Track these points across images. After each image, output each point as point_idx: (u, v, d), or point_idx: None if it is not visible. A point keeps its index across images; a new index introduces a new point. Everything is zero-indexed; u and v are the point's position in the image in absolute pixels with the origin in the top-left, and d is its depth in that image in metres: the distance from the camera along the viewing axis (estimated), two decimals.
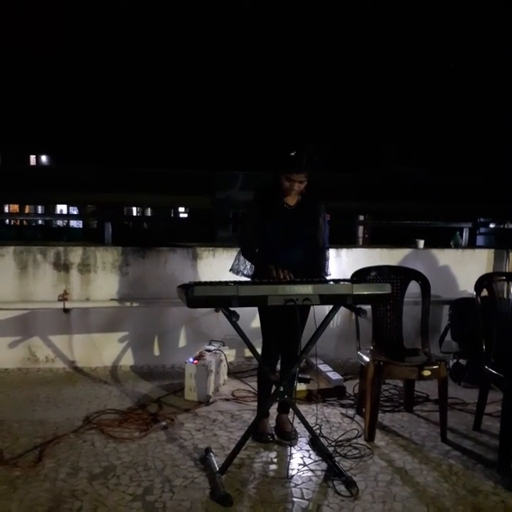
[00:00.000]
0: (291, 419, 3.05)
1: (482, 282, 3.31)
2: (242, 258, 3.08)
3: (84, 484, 2.52)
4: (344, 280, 2.81)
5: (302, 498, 2.47)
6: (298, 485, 2.57)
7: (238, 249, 3.12)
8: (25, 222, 21.32)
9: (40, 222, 22.08)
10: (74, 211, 25.25)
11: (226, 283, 2.55)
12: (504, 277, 3.38)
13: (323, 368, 3.98)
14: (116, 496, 2.43)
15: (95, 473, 2.63)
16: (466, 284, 4.54)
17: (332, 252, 4.42)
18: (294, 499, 2.46)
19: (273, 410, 3.13)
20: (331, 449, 2.89)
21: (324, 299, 2.60)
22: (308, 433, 2.89)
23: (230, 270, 3.13)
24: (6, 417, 3.24)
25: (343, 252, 4.60)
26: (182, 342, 4.40)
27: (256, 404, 3.29)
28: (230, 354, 4.25)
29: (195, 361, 3.64)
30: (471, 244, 5.44)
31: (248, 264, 3.07)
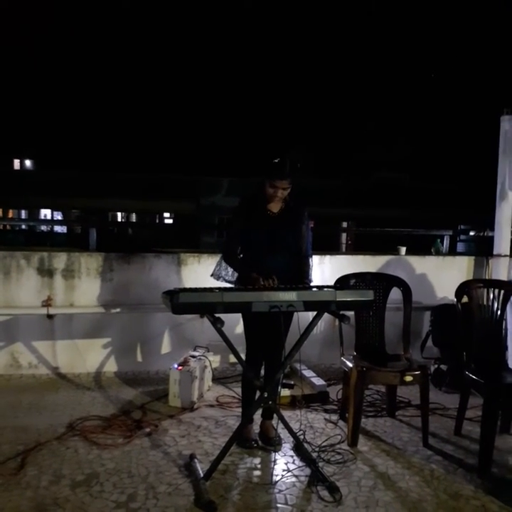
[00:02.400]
0: (275, 425, 3.06)
1: (462, 289, 3.37)
2: (224, 264, 3.10)
3: (67, 492, 2.50)
4: (328, 287, 2.85)
5: (286, 503, 2.49)
6: (282, 491, 2.59)
7: (221, 255, 3.14)
8: (8, 227, 21.05)
9: (23, 226, 21.83)
10: (58, 216, 25.04)
11: (211, 289, 2.57)
12: (483, 284, 3.45)
13: (307, 373, 4.01)
14: (100, 504, 2.42)
15: (78, 480, 2.61)
16: (446, 290, 4.61)
17: (316, 259, 4.47)
18: (278, 505, 2.47)
19: (257, 416, 3.14)
20: (314, 454, 2.91)
21: (308, 306, 2.64)
22: (292, 439, 2.91)
23: (211, 275, 3.14)
24: None
25: (327, 258, 4.64)
26: (166, 348, 4.40)
27: (240, 410, 3.30)
28: (214, 360, 4.25)
29: (180, 367, 3.64)
30: (452, 252, 5.53)
31: (230, 270, 3.09)
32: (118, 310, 4.20)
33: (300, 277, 3.00)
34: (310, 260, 3.09)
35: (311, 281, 3.07)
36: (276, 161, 2.85)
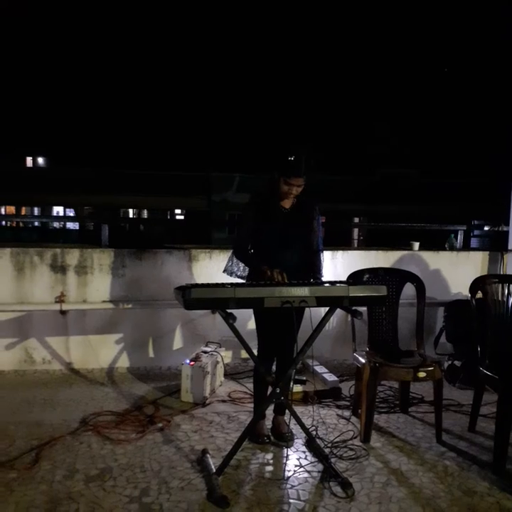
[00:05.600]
0: (287, 421, 3.06)
1: (477, 284, 3.33)
2: (235, 259, 3.10)
3: (81, 486, 2.52)
4: (340, 282, 2.83)
5: (298, 499, 2.48)
6: (294, 486, 2.58)
7: (232, 250, 3.14)
8: (21, 224, 21.28)
9: (36, 223, 22.04)
10: (70, 213, 25.23)
11: (223, 285, 2.56)
12: (498, 279, 3.41)
13: (319, 369, 4.00)
14: (113, 498, 2.43)
15: (92, 475, 2.63)
16: (460, 286, 4.56)
17: (328, 254, 4.45)
18: (291, 500, 2.47)
19: (269, 412, 3.14)
20: (327, 450, 2.91)
21: (321, 301, 2.62)
22: (304, 434, 2.90)
23: (224, 271, 3.14)
24: (2, 419, 3.23)
25: (339, 254, 4.61)
26: (178, 344, 4.41)
27: (252, 405, 3.30)
28: (226, 355, 4.25)
29: (192, 363, 3.65)
30: (466, 247, 5.47)
31: (241, 265, 3.09)
32: (130, 306, 4.21)
33: (311, 272, 2.99)
34: (321, 255, 3.08)
35: (322, 276, 3.05)
36: (291, 158, 2.83)
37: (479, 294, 3.31)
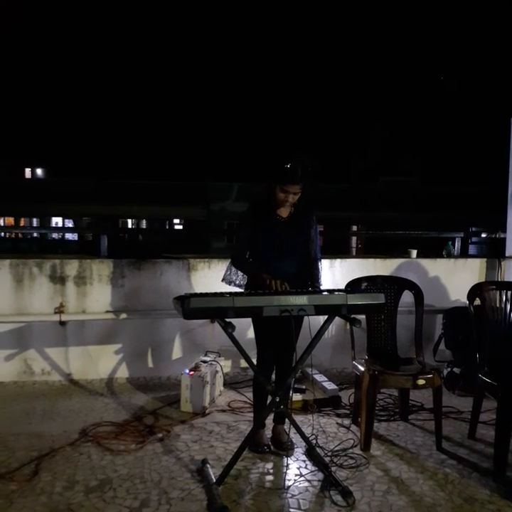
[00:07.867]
0: (287, 430, 3.05)
1: (475, 291, 3.34)
2: (233, 268, 3.11)
3: (81, 497, 2.51)
4: (338, 290, 2.84)
5: (299, 508, 2.48)
6: (294, 495, 2.58)
7: (230, 259, 3.15)
8: (20, 235, 21.30)
9: (35, 234, 22.06)
10: (69, 224, 25.26)
11: (222, 294, 2.58)
12: (496, 286, 3.42)
13: (319, 377, 4.00)
14: (113, 509, 2.42)
15: (92, 486, 2.62)
16: (458, 293, 4.57)
17: (326, 263, 4.47)
18: (291, 510, 2.46)
19: (269, 421, 3.14)
20: (327, 459, 2.90)
21: (319, 310, 2.63)
22: (304, 443, 2.90)
23: (222, 280, 3.15)
24: (2, 431, 3.23)
25: (337, 262, 4.63)
26: (178, 353, 4.41)
27: (252, 415, 3.30)
28: (225, 365, 4.25)
29: (191, 372, 3.65)
30: (464, 254, 5.48)
31: (240, 274, 3.10)
32: (129, 316, 4.21)
33: (310, 281, 3.00)
34: (319, 264, 3.10)
35: (320, 284, 3.07)
36: (287, 166, 2.84)
37: (477, 301, 3.32)
